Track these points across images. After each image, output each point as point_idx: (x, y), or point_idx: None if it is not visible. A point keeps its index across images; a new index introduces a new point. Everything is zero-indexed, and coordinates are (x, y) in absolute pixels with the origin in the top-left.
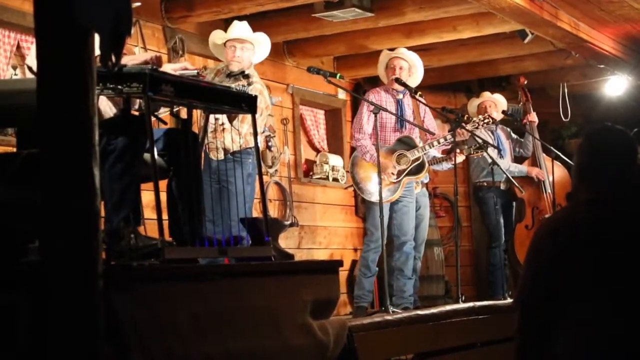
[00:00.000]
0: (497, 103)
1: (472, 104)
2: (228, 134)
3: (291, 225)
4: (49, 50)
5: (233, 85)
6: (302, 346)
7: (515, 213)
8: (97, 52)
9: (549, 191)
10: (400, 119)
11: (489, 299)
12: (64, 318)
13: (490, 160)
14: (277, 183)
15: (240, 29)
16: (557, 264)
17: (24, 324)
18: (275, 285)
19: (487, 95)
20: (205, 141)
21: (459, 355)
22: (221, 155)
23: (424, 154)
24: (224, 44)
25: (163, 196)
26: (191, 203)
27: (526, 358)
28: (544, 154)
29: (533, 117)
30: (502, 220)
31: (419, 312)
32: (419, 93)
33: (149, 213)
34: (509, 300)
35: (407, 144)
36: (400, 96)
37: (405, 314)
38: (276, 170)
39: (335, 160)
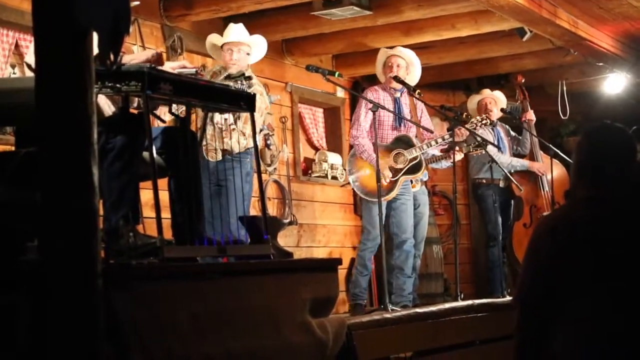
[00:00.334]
0: (497, 100)
1: (472, 101)
2: (235, 134)
3: (290, 223)
4: (47, 49)
5: (231, 84)
6: (301, 344)
7: (513, 211)
8: (96, 50)
9: (548, 189)
10: (398, 117)
11: (488, 296)
12: (63, 318)
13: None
14: (276, 181)
15: (236, 31)
16: (556, 261)
17: (23, 324)
18: (274, 283)
19: (487, 92)
20: (203, 142)
21: (457, 353)
22: (219, 157)
23: (422, 153)
24: (221, 47)
25: (162, 195)
26: (190, 202)
27: (525, 356)
28: (542, 152)
29: (530, 115)
30: (500, 218)
31: (418, 310)
32: (418, 91)
33: (147, 212)
34: (508, 298)
35: (404, 142)
36: (398, 94)
37: (404, 312)
38: (275, 169)
39: (334, 158)
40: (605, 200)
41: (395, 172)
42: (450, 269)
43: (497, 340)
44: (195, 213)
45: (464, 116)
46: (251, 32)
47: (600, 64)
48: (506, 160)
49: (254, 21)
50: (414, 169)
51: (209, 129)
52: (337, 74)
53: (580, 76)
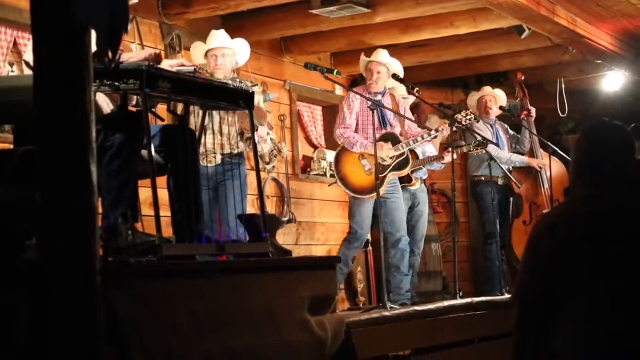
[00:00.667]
0: (496, 97)
1: (472, 97)
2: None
3: (289, 221)
4: (45, 47)
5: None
6: (300, 342)
7: (512, 208)
8: (94, 48)
9: (547, 186)
10: (383, 120)
11: (487, 294)
12: (63, 316)
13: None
14: (274, 179)
15: (218, 37)
16: (555, 259)
17: (23, 323)
18: (273, 281)
19: (487, 90)
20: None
21: (456, 351)
22: (218, 160)
23: (408, 149)
24: (205, 54)
25: (160, 192)
26: (189, 199)
27: (524, 353)
28: (541, 150)
29: (532, 111)
30: (499, 216)
31: (417, 307)
32: (417, 89)
33: (146, 209)
34: (507, 295)
35: (390, 140)
36: (379, 97)
37: (403, 310)
38: (273, 167)
39: (332, 156)
40: (604, 197)
41: (382, 168)
42: (449, 266)
43: (495, 338)
44: (194, 211)
45: (462, 114)
46: (250, 30)
47: (599, 61)
48: (505, 155)
49: (252, 19)
50: (401, 165)
51: (209, 137)
52: (335, 71)
53: (578, 74)
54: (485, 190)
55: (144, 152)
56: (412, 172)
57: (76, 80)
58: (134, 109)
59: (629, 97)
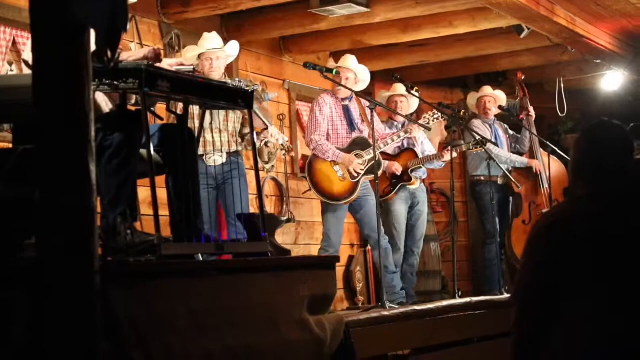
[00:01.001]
0: (496, 99)
1: (472, 97)
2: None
3: (288, 221)
4: (45, 46)
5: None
6: (299, 342)
7: (512, 208)
8: (93, 47)
9: (547, 186)
10: (352, 123)
11: (486, 294)
12: (61, 315)
13: (490, 153)
14: (273, 179)
15: (211, 40)
16: (555, 259)
17: (21, 321)
18: (272, 281)
19: (487, 91)
20: (203, 151)
21: (455, 351)
22: (224, 159)
23: (380, 152)
24: (198, 57)
25: (159, 192)
26: (188, 199)
27: (523, 353)
28: (541, 149)
29: (532, 111)
30: (498, 216)
31: (416, 307)
32: (416, 88)
33: (145, 209)
34: (506, 295)
35: (361, 144)
36: (347, 102)
37: (402, 310)
38: (273, 166)
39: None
40: (603, 197)
41: (355, 173)
42: (448, 266)
43: (495, 338)
44: (193, 210)
45: (461, 114)
46: (249, 30)
47: (598, 61)
48: (505, 154)
49: (251, 19)
50: (373, 169)
51: (217, 136)
52: (334, 71)
53: (578, 73)
54: (485, 190)
55: (143, 151)
56: (411, 171)
57: (75, 80)
58: (133, 108)
59: (628, 97)
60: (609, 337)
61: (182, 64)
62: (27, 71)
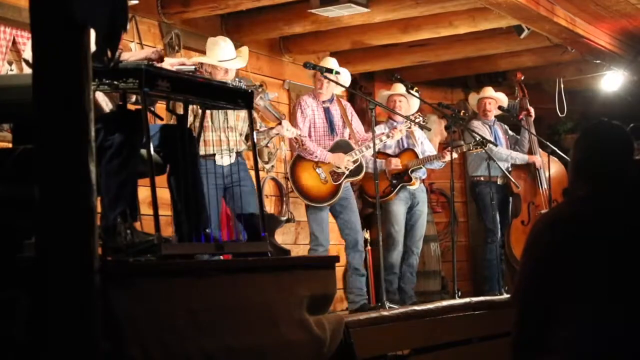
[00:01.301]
0: (497, 101)
1: (473, 97)
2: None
3: (287, 221)
4: (45, 46)
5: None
6: (298, 341)
7: (511, 208)
8: (93, 47)
9: (545, 186)
10: (332, 125)
11: (485, 294)
12: (62, 314)
13: (490, 153)
14: (273, 179)
15: (226, 50)
16: (554, 259)
17: (22, 320)
18: (271, 281)
19: (488, 92)
20: (212, 150)
21: (455, 351)
22: (233, 159)
23: (362, 155)
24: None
25: (159, 192)
26: (188, 199)
27: (523, 353)
28: (540, 150)
29: (531, 111)
30: (498, 216)
31: (416, 307)
32: (416, 88)
33: (145, 209)
34: (506, 295)
35: (343, 147)
36: (328, 104)
37: (402, 310)
38: (272, 166)
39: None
40: (603, 197)
41: (337, 176)
42: (448, 266)
43: (494, 338)
44: (195, 210)
45: (461, 114)
46: (249, 30)
47: (598, 61)
48: (505, 151)
49: (251, 18)
50: (356, 171)
51: (223, 135)
52: (334, 71)
53: (577, 74)
54: (485, 190)
55: (143, 151)
56: (411, 171)
57: (75, 79)
58: (133, 107)
59: (627, 97)
60: (609, 338)
61: (183, 64)
62: (27, 71)
